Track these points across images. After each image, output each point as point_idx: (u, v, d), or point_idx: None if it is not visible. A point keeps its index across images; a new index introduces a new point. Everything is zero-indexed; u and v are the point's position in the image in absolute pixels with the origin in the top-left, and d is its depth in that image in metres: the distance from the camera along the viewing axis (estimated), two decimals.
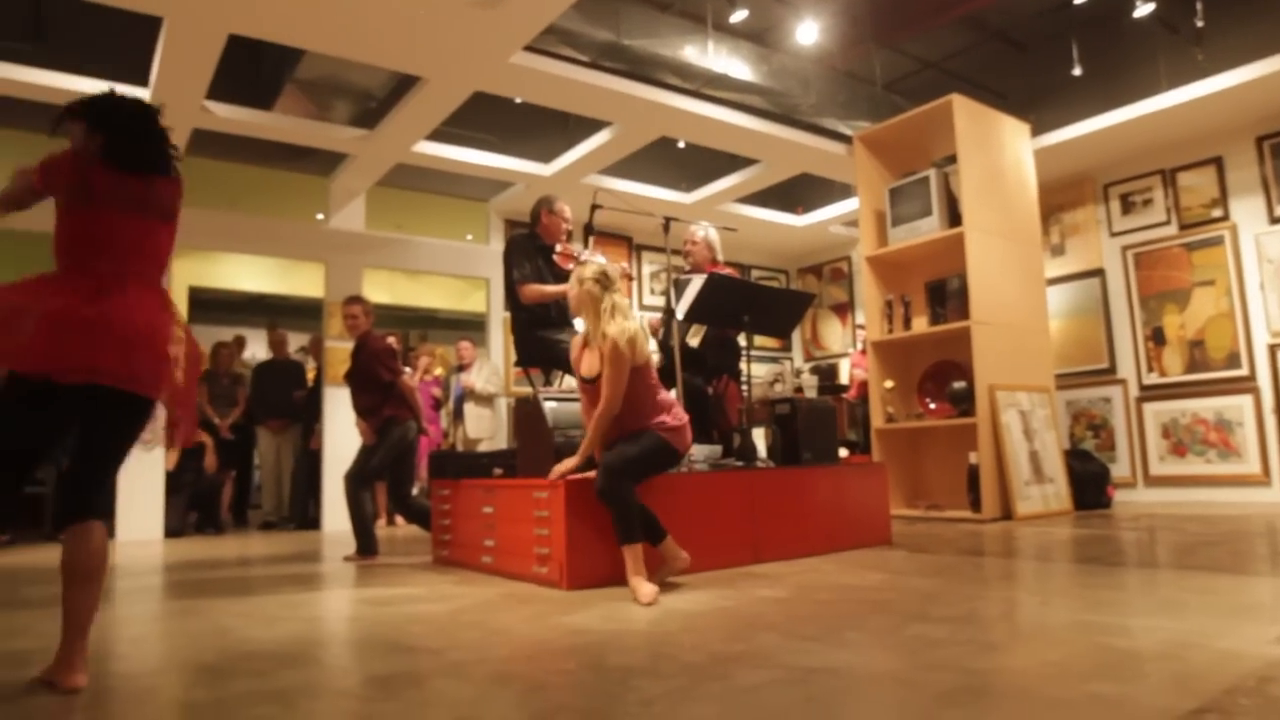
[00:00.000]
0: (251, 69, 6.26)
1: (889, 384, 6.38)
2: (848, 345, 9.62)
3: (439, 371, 8.27)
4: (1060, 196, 7.65)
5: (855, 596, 2.90)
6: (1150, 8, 5.96)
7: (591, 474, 3.22)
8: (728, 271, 4.88)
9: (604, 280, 3.32)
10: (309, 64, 5.92)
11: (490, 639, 2.42)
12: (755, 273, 10.02)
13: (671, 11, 6.23)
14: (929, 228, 6.14)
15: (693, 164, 8.02)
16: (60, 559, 1.97)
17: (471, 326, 9.52)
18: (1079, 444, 7.26)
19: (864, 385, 6.92)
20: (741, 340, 4.79)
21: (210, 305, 10.20)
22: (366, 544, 4.70)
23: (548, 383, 4.63)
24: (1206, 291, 6.78)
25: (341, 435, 6.75)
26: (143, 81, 5.52)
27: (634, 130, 6.59)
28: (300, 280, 9.39)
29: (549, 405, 3.83)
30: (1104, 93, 6.65)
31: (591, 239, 4.58)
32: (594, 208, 4.50)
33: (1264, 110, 6.39)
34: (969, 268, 5.81)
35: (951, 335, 5.97)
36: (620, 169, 7.57)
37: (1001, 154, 6.37)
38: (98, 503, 2.04)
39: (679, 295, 4.44)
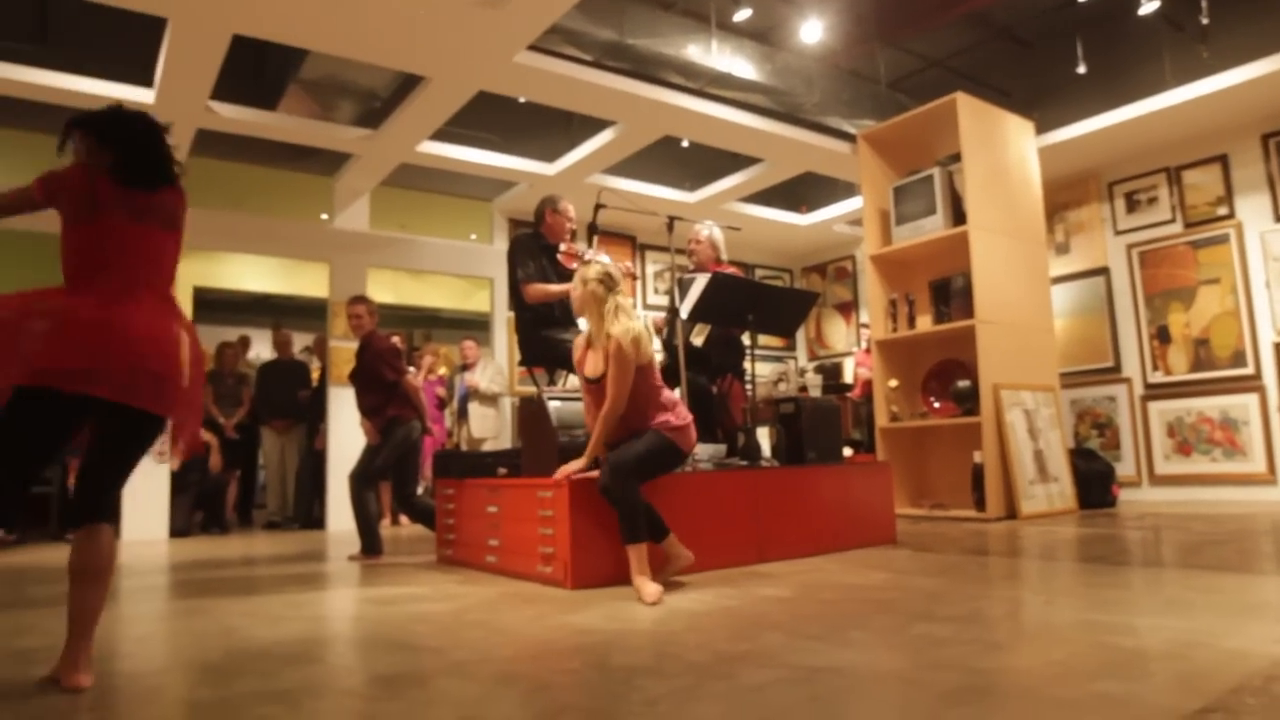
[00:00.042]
0: (256, 69, 6.27)
1: (893, 383, 6.37)
2: (852, 344, 9.60)
3: (443, 371, 8.27)
4: (1065, 195, 7.63)
5: (860, 596, 2.90)
6: (1155, 5, 5.93)
7: (595, 473, 3.22)
8: (731, 271, 4.88)
9: (608, 281, 3.32)
10: (313, 64, 5.93)
11: (494, 638, 2.42)
12: (759, 272, 10.01)
13: (675, 10, 6.22)
14: (933, 226, 6.13)
15: (696, 163, 8.02)
16: (68, 559, 1.98)
17: (475, 326, 9.53)
18: (1084, 443, 7.24)
19: (868, 384, 6.91)
20: (746, 339, 4.79)
21: (215, 305, 10.23)
22: (371, 543, 4.71)
23: (552, 382, 4.63)
24: (1212, 290, 6.76)
25: (346, 435, 6.76)
26: (147, 82, 5.53)
27: (637, 129, 6.59)
28: (305, 280, 9.41)
29: (553, 405, 3.83)
30: (1109, 91, 6.63)
31: (595, 238, 4.58)
32: (598, 207, 4.50)
33: (1269, 108, 6.37)
34: (973, 266, 5.80)
35: (956, 334, 5.95)
36: (624, 168, 7.57)
37: (1006, 152, 6.35)
38: (106, 508, 2.07)
39: (683, 294, 4.44)
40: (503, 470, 4.22)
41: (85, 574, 1.97)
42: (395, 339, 5.28)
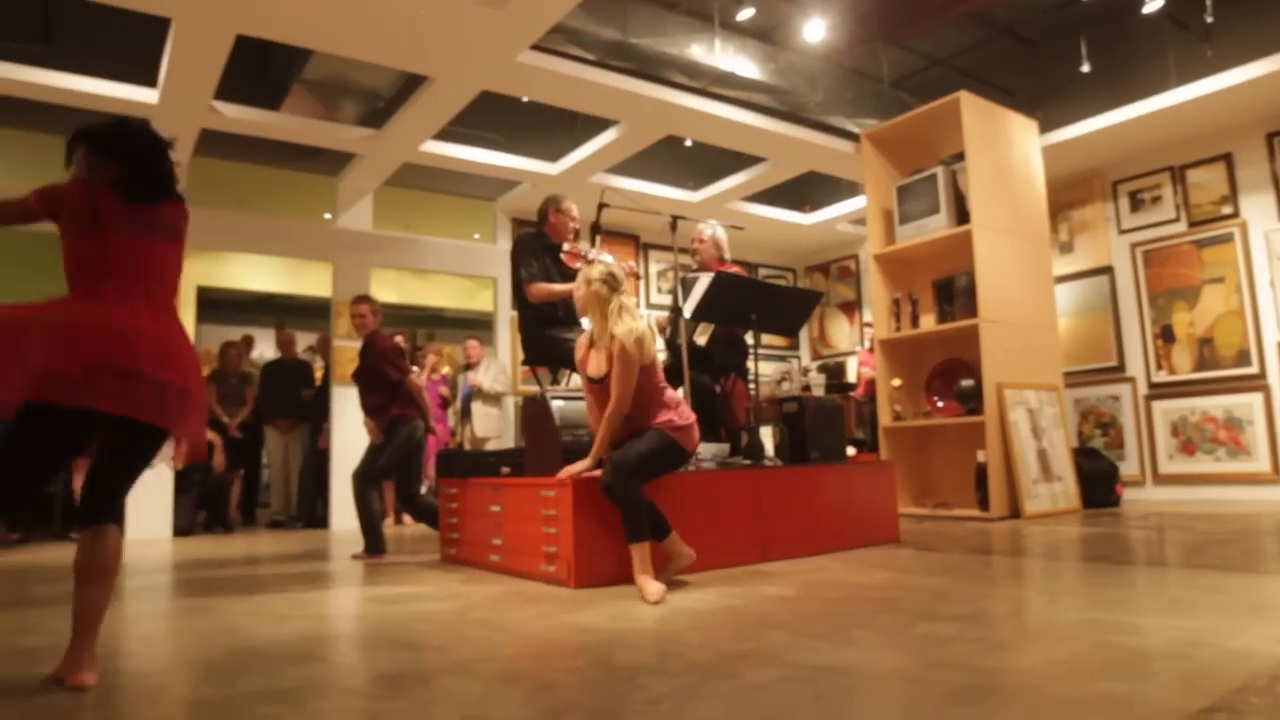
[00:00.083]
0: (259, 69, 6.27)
1: (896, 382, 6.37)
2: (855, 343, 9.60)
3: (446, 370, 8.28)
4: (1069, 194, 7.62)
5: (863, 595, 2.90)
6: (1159, 4, 5.92)
7: (598, 472, 3.22)
8: (735, 270, 4.88)
9: (611, 281, 3.32)
10: (316, 64, 5.93)
11: (498, 637, 2.42)
12: (762, 271, 10.01)
13: (678, 10, 6.22)
14: (936, 225, 6.12)
15: (700, 162, 8.02)
16: (73, 558, 1.99)
17: (479, 325, 9.53)
18: (1087, 442, 7.22)
19: (871, 383, 6.90)
20: (749, 339, 4.79)
21: (218, 305, 10.23)
22: (374, 542, 4.72)
23: (555, 381, 4.63)
24: (1216, 289, 6.74)
25: (349, 434, 6.77)
26: (151, 82, 5.54)
27: (641, 129, 6.59)
28: (308, 280, 9.41)
29: (556, 404, 3.84)
30: (1112, 89, 6.61)
31: (598, 238, 4.57)
32: (601, 206, 4.50)
33: (1274, 106, 6.35)
34: (977, 265, 5.79)
35: (959, 333, 5.95)
36: (627, 168, 7.56)
37: (1009, 151, 6.34)
38: (112, 510, 2.08)
39: (686, 294, 4.44)
40: (506, 469, 4.22)
41: (90, 573, 1.98)
42: (399, 338, 5.28)
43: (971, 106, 6.05)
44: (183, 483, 6.58)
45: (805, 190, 8.85)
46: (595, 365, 3.36)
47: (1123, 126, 6.66)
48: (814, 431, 4.45)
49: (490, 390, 7.56)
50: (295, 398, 7.58)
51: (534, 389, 4.71)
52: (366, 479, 4.81)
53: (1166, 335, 7.00)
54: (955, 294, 6.14)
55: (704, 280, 4.30)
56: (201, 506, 6.95)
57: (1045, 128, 6.83)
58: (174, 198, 2.21)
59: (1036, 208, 6.49)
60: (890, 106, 7.02)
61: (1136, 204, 7.27)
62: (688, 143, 7.25)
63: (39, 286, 2.19)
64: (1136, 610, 2.48)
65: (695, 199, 8.22)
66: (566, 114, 6.62)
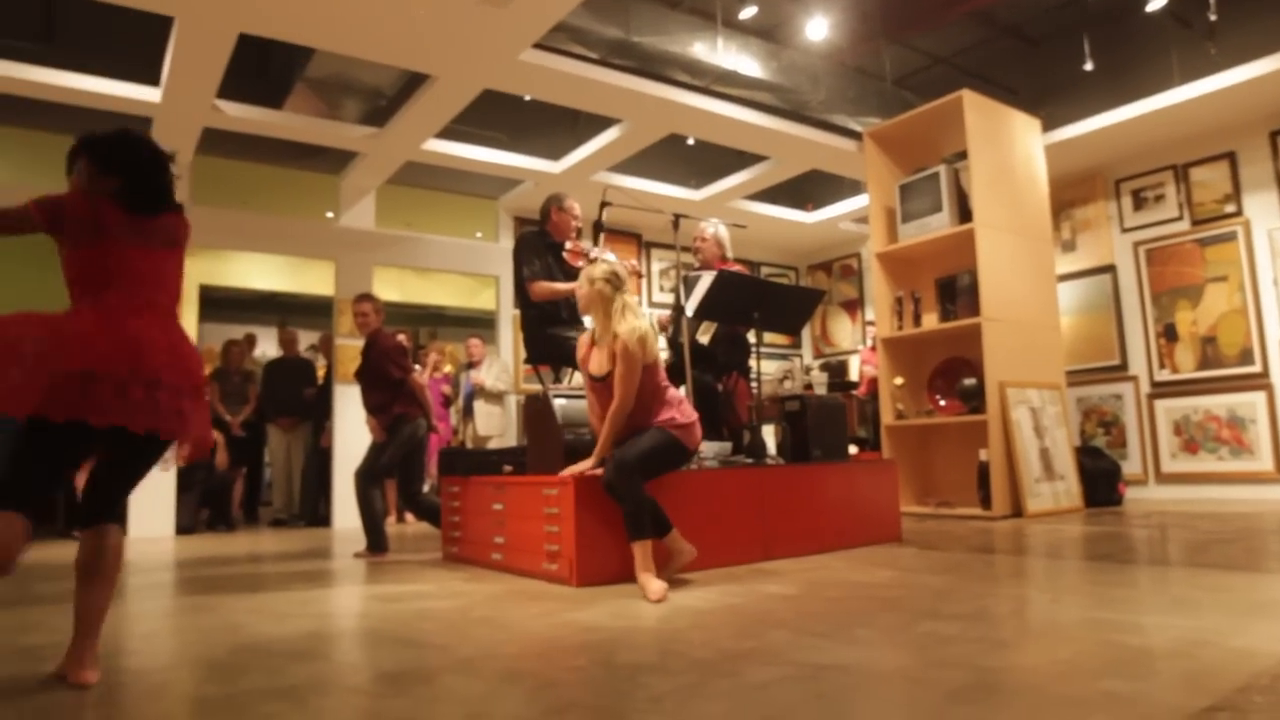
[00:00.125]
0: (262, 68, 6.27)
1: (899, 381, 6.36)
2: (857, 342, 9.59)
3: (449, 369, 8.29)
4: (1071, 192, 7.61)
5: (865, 593, 2.90)
6: (1162, 2, 5.91)
7: (600, 471, 3.22)
8: (737, 268, 4.87)
9: (614, 280, 3.33)
10: (319, 62, 5.93)
11: (500, 635, 2.42)
12: (765, 269, 10.00)
13: (681, 8, 6.21)
14: (939, 224, 6.11)
15: (702, 161, 8.01)
16: (76, 557, 1.99)
17: (481, 324, 9.54)
18: (1090, 441, 7.22)
19: (874, 382, 6.90)
20: (751, 337, 4.78)
21: (221, 303, 10.25)
22: (376, 541, 4.72)
23: (557, 380, 4.63)
24: (1219, 287, 6.73)
25: (352, 433, 6.77)
26: (153, 81, 5.55)
27: (643, 127, 6.59)
28: (310, 278, 9.42)
29: (558, 402, 3.84)
30: (1115, 88, 6.60)
31: (601, 236, 4.57)
32: (603, 205, 4.50)
33: (1277, 105, 6.33)
34: (979, 264, 5.78)
35: (962, 332, 5.94)
36: (629, 166, 7.56)
37: (1012, 150, 6.33)
38: (114, 510, 2.09)
39: (688, 292, 4.43)
40: (508, 468, 4.23)
41: (92, 572, 1.98)
42: (401, 337, 5.29)
43: (974, 105, 6.04)
44: (185, 481, 6.59)
45: (807, 189, 8.84)
46: (597, 363, 3.36)
47: (1125, 125, 6.64)
48: (816, 430, 4.45)
49: (492, 389, 7.56)
50: (298, 396, 7.59)
51: (536, 387, 4.71)
52: (369, 477, 4.82)
53: (1169, 334, 6.99)
54: (957, 292, 6.13)
55: (706, 279, 4.30)
56: (204, 505, 6.96)
57: (1048, 126, 6.82)
58: (173, 209, 2.22)
59: (1039, 206, 6.48)
60: (893, 105, 7.01)
61: (1139, 202, 7.26)
62: (690, 141, 7.25)
63: (39, 286, 2.19)
64: (1139, 609, 2.47)
65: (697, 197, 8.21)
66: (569, 112, 6.62)
